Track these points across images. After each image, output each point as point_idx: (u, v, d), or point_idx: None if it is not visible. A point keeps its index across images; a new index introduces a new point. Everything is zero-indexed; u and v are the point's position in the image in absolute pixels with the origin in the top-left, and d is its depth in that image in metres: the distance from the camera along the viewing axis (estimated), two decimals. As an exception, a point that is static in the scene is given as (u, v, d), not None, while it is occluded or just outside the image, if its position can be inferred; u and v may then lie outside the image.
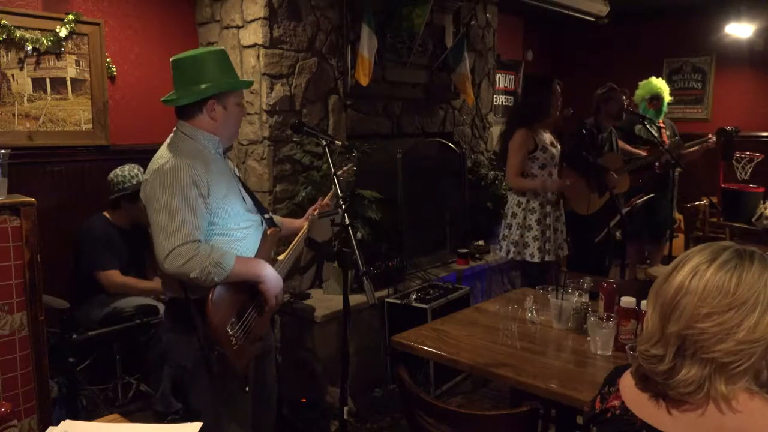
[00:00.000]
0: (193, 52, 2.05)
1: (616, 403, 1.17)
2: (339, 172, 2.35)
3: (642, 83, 4.93)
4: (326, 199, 2.42)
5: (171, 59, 2.04)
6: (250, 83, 2.30)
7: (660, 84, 4.87)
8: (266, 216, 2.19)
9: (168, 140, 2.03)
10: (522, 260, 3.66)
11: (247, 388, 2.03)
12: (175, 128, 2.05)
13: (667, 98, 4.91)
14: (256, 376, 2.13)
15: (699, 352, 1.02)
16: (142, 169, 3.24)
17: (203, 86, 1.98)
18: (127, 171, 3.21)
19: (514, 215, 3.69)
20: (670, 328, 1.05)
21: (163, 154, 1.96)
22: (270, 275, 2.01)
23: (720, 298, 1.01)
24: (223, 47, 2.16)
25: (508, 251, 3.71)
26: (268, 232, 2.12)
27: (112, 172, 3.22)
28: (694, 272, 1.04)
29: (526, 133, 3.57)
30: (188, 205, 1.87)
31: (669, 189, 4.84)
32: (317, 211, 2.35)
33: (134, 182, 3.19)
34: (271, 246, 2.15)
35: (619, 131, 4.55)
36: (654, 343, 1.08)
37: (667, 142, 4.78)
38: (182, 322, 1.98)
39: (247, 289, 2.01)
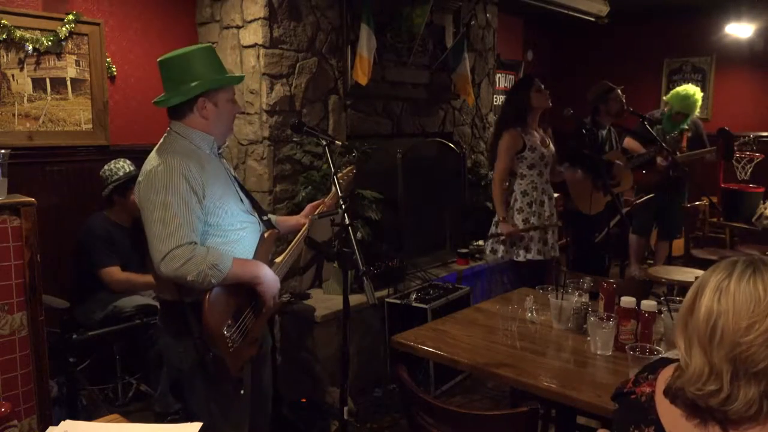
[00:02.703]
0: (180, 51, 1.99)
1: (647, 389, 1.16)
2: (339, 175, 2.33)
3: (684, 94, 4.75)
4: (327, 199, 2.39)
5: (158, 60, 1.99)
6: (240, 78, 2.22)
7: (696, 104, 4.79)
8: (264, 218, 2.16)
9: (161, 141, 1.99)
10: (511, 260, 3.63)
11: (242, 392, 1.99)
12: (168, 129, 2.01)
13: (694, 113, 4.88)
14: (252, 378, 2.11)
15: (750, 367, 1.00)
16: (130, 162, 3.26)
17: (192, 84, 1.94)
18: (113, 165, 3.24)
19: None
20: (716, 355, 1.02)
21: (156, 156, 1.92)
22: (267, 276, 1.98)
23: (754, 306, 1.00)
24: (210, 44, 2.10)
25: (497, 251, 3.66)
26: (266, 235, 2.09)
27: (102, 169, 3.24)
28: (718, 292, 1.03)
29: (515, 134, 3.54)
30: (183, 207, 1.82)
31: (682, 190, 4.85)
32: (318, 211, 2.33)
33: (121, 173, 3.21)
34: (269, 248, 2.12)
35: (627, 133, 4.51)
36: (706, 380, 1.03)
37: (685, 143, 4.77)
38: (178, 325, 1.94)
39: (244, 291, 1.97)
